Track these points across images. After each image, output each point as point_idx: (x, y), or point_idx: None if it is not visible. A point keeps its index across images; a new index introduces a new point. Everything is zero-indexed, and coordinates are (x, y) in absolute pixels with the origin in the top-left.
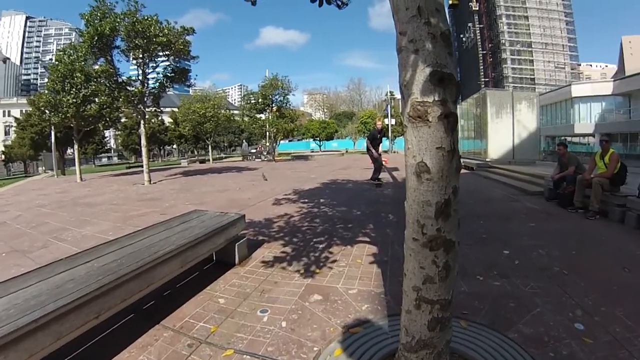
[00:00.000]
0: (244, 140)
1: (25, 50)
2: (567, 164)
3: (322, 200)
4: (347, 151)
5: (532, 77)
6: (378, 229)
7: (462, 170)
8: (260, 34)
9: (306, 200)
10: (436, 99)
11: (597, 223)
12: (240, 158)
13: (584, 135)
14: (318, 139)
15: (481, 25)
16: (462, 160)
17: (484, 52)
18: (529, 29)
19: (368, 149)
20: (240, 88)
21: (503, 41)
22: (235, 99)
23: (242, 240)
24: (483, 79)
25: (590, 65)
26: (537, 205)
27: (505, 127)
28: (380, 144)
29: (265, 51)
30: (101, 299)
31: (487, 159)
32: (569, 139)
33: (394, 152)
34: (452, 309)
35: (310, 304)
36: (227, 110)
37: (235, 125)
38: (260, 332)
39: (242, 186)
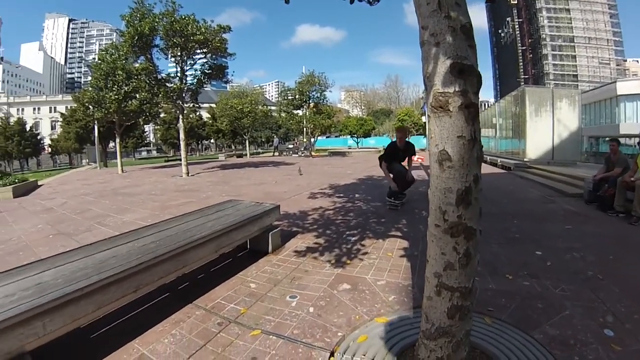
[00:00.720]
0: (274, 136)
1: (69, 50)
2: (614, 164)
3: (357, 196)
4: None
5: (575, 73)
6: (410, 225)
7: (499, 171)
8: (296, 32)
9: (341, 195)
10: (457, 89)
11: (638, 229)
12: (275, 153)
13: (630, 136)
14: (355, 135)
15: (520, 20)
16: (499, 160)
17: (524, 47)
18: (571, 23)
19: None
20: (277, 84)
21: (543, 36)
22: (272, 95)
23: (275, 230)
24: (522, 76)
25: (637, 61)
26: (575, 208)
27: (544, 126)
28: (407, 159)
29: (301, 48)
30: (140, 275)
31: (525, 159)
32: None
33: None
34: (478, 305)
35: (339, 292)
36: (265, 106)
37: (273, 121)
38: (287, 316)
39: (278, 180)
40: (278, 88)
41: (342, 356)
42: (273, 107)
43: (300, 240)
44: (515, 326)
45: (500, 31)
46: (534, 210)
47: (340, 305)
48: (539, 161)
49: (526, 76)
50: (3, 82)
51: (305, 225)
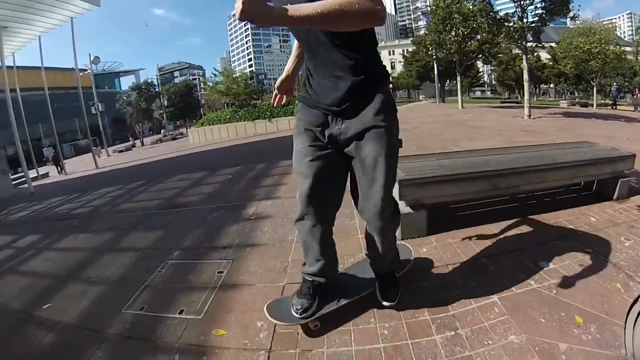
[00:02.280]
0: (614, 83)
1: (397, 2)
2: None
3: None
4: None
5: None
6: None
7: None
8: None
9: None
10: None
11: None
12: (613, 107)
13: None
14: None
15: None
16: None
17: None
18: None
19: None
20: (630, 17)
21: None
22: (624, 32)
23: (625, 179)
24: None
25: None
26: None
27: None
28: None
29: None
30: (511, 177)
31: None
32: None
33: None
34: None
35: None
36: (617, 47)
37: (627, 66)
38: (618, 251)
39: (630, 137)
40: (632, 22)
41: None
42: (627, 48)
43: None
44: None
45: None
46: None
47: None
48: None
49: None
50: None
51: None
